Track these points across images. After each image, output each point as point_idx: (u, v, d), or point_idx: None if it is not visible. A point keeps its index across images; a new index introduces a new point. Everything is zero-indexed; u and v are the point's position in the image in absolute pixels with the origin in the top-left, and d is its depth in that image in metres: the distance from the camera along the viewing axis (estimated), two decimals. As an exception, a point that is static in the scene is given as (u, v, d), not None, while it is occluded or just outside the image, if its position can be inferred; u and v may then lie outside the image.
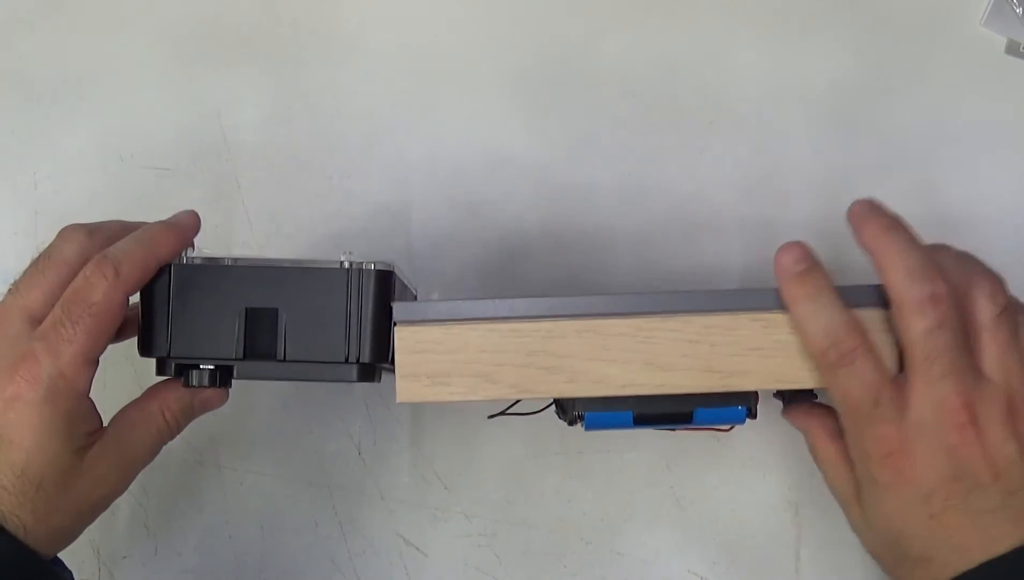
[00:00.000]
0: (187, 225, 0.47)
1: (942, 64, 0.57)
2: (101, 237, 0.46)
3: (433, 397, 0.45)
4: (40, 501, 0.43)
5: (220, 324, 0.45)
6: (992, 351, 0.43)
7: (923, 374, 0.42)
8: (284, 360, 0.45)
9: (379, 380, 0.47)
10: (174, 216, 0.47)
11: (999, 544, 0.41)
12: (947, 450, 0.42)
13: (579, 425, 0.46)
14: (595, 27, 0.58)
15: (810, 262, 0.44)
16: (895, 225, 0.45)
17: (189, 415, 0.47)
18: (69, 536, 0.45)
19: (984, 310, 0.43)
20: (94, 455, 0.44)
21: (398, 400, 0.45)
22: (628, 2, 0.58)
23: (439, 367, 0.45)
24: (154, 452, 0.47)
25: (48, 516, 0.43)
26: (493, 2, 0.58)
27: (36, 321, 0.44)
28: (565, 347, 0.45)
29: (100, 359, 0.44)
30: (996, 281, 0.44)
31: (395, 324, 0.45)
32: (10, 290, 0.45)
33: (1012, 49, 0.57)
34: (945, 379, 0.42)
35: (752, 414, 0.46)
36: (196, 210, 0.48)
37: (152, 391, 0.47)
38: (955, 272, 0.44)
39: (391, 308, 0.45)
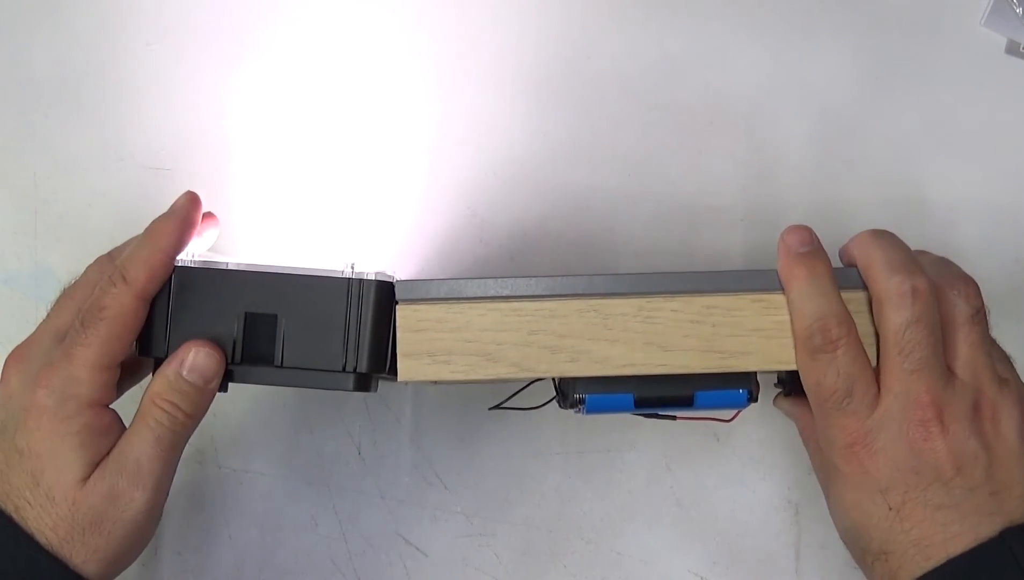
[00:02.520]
0: (183, 209, 0.46)
1: (942, 64, 0.57)
2: (120, 254, 0.47)
3: (434, 375, 0.45)
4: (58, 516, 0.43)
5: (219, 327, 0.45)
6: (963, 351, 0.44)
7: (895, 367, 0.43)
8: (281, 366, 0.45)
9: (375, 390, 0.47)
10: (172, 205, 0.47)
11: (958, 541, 0.42)
12: (909, 444, 0.43)
13: (580, 409, 0.46)
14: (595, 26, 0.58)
15: (815, 246, 0.45)
16: (880, 230, 0.46)
17: (187, 394, 0.45)
18: (105, 559, 0.44)
19: (959, 310, 0.44)
20: (102, 469, 0.44)
21: (399, 378, 0.45)
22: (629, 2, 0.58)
23: (440, 345, 0.45)
24: (166, 450, 0.45)
25: (71, 534, 0.43)
26: (495, 3, 0.58)
27: (64, 338, 0.45)
28: (567, 326, 0.45)
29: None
30: (971, 284, 0.45)
31: (397, 302, 0.45)
32: (45, 317, 0.47)
33: (1012, 49, 0.57)
34: (916, 374, 0.43)
35: (753, 398, 0.46)
36: (194, 192, 0.47)
37: (145, 392, 0.46)
38: (933, 273, 0.44)
39: (390, 320, 0.45)
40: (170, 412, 0.45)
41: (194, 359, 0.45)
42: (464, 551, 0.55)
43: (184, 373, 0.45)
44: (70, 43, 0.58)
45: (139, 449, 0.44)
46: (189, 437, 0.46)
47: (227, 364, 0.46)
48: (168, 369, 0.45)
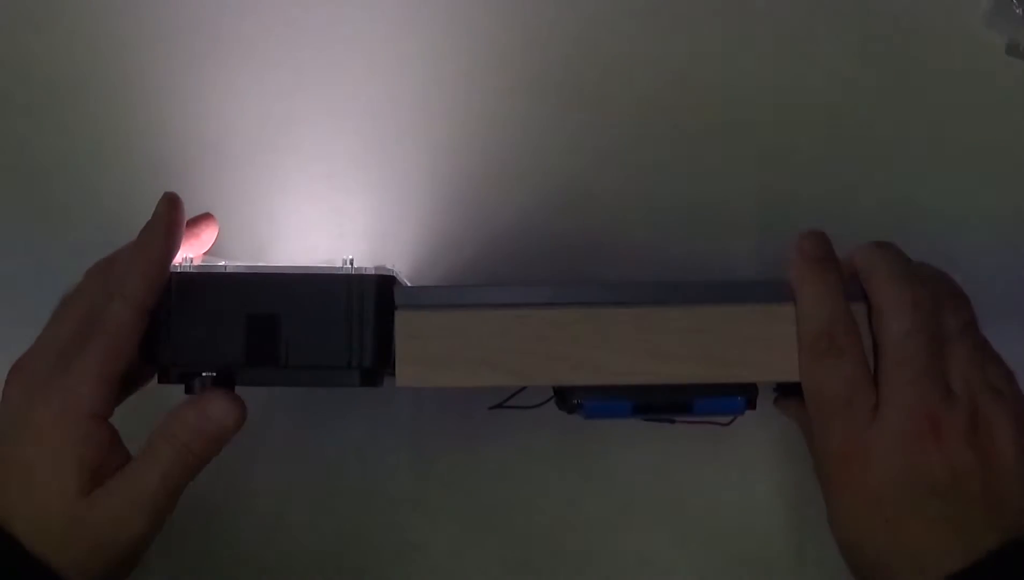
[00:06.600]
0: (166, 214, 0.46)
1: (942, 64, 0.57)
2: (116, 261, 0.47)
3: (433, 382, 0.45)
4: (52, 530, 0.43)
5: (222, 331, 0.45)
6: (955, 365, 0.43)
7: (893, 378, 0.43)
8: (286, 366, 0.45)
9: (382, 385, 0.47)
10: (154, 211, 0.46)
11: (956, 556, 0.41)
12: (905, 456, 0.42)
13: (578, 414, 0.46)
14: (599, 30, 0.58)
15: (830, 251, 0.45)
16: (883, 242, 0.46)
17: (202, 440, 0.45)
18: (95, 576, 0.44)
19: (949, 325, 0.44)
20: (107, 489, 0.44)
21: (397, 385, 0.45)
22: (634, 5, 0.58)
23: (440, 352, 0.45)
24: (172, 486, 0.45)
25: (66, 548, 0.43)
26: (497, 5, 0.58)
27: (65, 352, 0.45)
28: (566, 335, 0.45)
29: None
30: (961, 298, 0.45)
31: (396, 308, 0.45)
32: (44, 328, 0.46)
33: (1012, 49, 0.57)
34: (913, 385, 0.42)
35: (752, 405, 0.46)
36: (172, 192, 0.47)
37: (162, 421, 0.46)
38: (930, 286, 0.44)
39: (392, 313, 0.45)
40: (182, 454, 0.45)
41: (217, 410, 0.45)
42: (464, 551, 0.55)
43: (205, 421, 0.45)
44: (70, 43, 0.58)
45: (147, 481, 0.44)
46: (196, 475, 0.46)
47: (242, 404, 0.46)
48: (188, 412, 0.45)
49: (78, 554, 0.43)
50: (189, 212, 0.48)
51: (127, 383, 0.47)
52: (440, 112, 0.57)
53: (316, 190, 0.57)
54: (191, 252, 0.49)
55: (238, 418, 0.46)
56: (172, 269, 0.46)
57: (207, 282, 0.46)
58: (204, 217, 0.51)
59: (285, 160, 0.57)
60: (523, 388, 0.50)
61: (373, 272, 0.46)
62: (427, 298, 0.45)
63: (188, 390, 0.46)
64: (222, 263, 0.47)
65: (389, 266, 0.47)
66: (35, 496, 0.43)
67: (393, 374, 0.45)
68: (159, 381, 0.46)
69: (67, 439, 0.43)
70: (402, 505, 0.55)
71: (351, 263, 0.46)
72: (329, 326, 0.45)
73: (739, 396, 0.46)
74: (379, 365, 0.46)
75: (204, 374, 0.46)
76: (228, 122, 0.57)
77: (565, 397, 0.47)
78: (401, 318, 0.45)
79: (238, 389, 0.47)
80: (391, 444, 0.56)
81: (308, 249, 0.56)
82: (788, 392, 0.50)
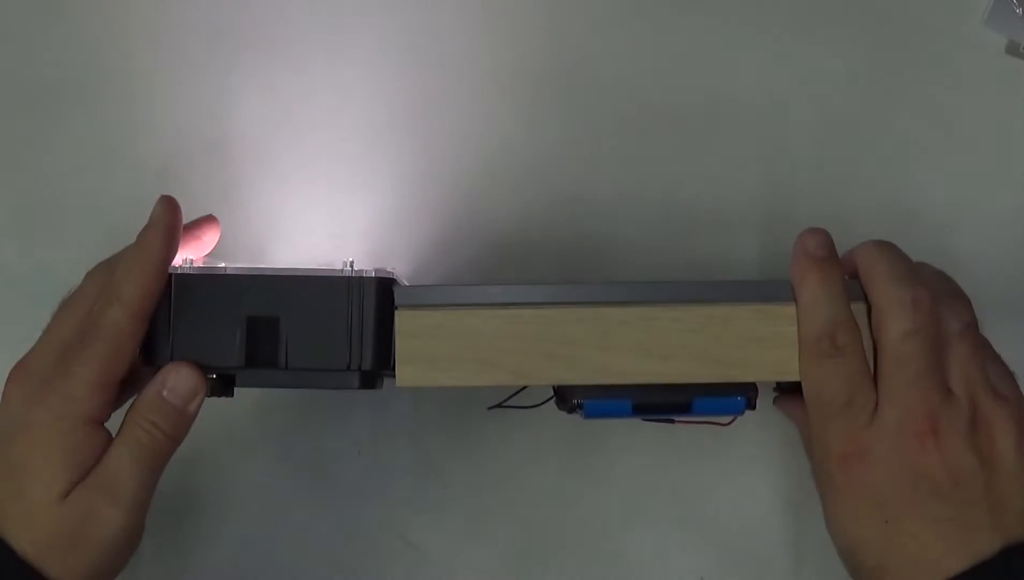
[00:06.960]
0: (163, 217, 0.46)
1: (942, 64, 0.57)
2: (116, 263, 0.46)
3: (433, 382, 0.45)
4: (37, 531, 0.43)
5: (222, 332, 0.45)
6: (955, 367, 0.43)
7: (893, 378, 0.43)
8: (286, 368, 0.45)
9: (381, 387, 0.47)
10: (151, 215, 0.46)
11: (956, 557, 0.41)
12: (905, 456, 0.42)
13: (578, 414, 0.46)
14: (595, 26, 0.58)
15: (831, 251, 0.45)
16: (883, 241, 0.46)
17: (167, 414, 0.45)
18: (82, 576, 0.43)
19: (949, 326, 0.44)
20: (81, 487, 0.44)
21: (397, 384, 0.45)
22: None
23: (439, 352, 0.45)
24: (144, 469, 0.45)
25: (49, 550, 0.43)
26: (498, 7, 0.58)
27: (64, 355, 0.45)
28: (566, 334, 0.45)
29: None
30: (961, 298, 0.45)
31: (396, 308, 0.45)
32: (45, 330, 0.46)
33: (1012, 49, 0.57)
34: (913, 385, 0.42)
35: (751, 405, 0.46)
36: (170, 195, 0.47)
37: (127, 412, 0.46)
38: (930, 286, 0.44)
39: (392, 315, 0.45)
40: (150, 432, 0.45)
41: (174, 380, 0.45)
42: (464, 551, 0.55)
43: (164, 394, 0.45)
44: (70, 43, 0.58)
45: (117, 468, 0.44)
46: (169, 457, 0.46)
47: (208, 381, 0.46)
48: (150, 390, 0.45)
49: (65, 556, 0.43)
50: (190, 213, 0.48)
51: (127, 385, 0.47)
52: (440, 113, 0.57)
53: (317, 191, 0.57)
54: (193, 254, 0.49)
55: (197, 385, 0.45)
56: (172, 270, 0.46)
57: (207, 283, 0.46)
58: (206, 219, 0.51)
59: (285, 161, 0.57)
60: (523, 388, 0.50)
61: (373, 274, 0.46)
62: (427, 298, 0.45)
63: None
64: (222, 264, 0.47)
65: (389, 269, 0.47)
66: (25, 499, 0.43)
67: (392, 375, 0.45)
68: None
69: (62, 444, 0.43)
70: (402, 505, 0.55)
71: (351, 265, 0.46)
72: (329, 328, 0.45)
73: (739, 396, 0.46)
74: (379, 367, 0.46)
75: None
76: (228, 122, 0.57)
77: (565, 397, 0.47)
78: (401, 318, 0.45)
79: (238, 391, 0.47)
80: (391, 444, 0.56)
81: (308, 251, 0.56)
82: (788, 392, 0.50)
